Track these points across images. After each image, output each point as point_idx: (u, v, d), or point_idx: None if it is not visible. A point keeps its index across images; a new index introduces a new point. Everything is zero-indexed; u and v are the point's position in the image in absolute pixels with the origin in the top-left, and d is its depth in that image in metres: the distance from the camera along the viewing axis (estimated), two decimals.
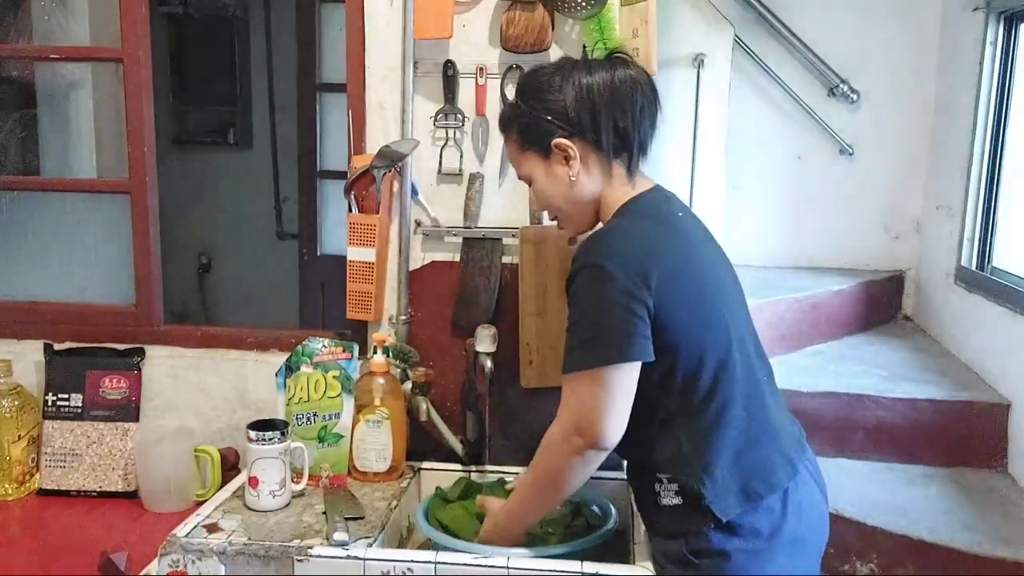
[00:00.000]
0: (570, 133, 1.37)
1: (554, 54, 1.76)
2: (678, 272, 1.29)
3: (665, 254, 1.30)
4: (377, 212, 1.79)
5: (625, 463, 1.49)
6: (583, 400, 1.29)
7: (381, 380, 1.72)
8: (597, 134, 1.36)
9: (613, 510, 1.59)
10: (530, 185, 1.46)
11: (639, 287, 1.25)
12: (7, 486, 1.85)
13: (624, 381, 1.27)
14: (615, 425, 1.28)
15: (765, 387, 1.39)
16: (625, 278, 1.25)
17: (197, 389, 1.96)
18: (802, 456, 1.39)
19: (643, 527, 1.52)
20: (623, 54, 1.41)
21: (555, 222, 1.49)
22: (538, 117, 1.38)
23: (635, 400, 1.32)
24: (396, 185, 1.82)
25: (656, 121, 1.41)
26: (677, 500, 1.32)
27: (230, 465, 1.87)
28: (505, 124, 1.46)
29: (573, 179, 1.38)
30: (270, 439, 1.56)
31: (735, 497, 1.29)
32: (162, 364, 1.96)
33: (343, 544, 1.41)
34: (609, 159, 1.38)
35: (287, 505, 1.59)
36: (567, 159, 1.38)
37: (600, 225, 1.43)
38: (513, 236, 1.81)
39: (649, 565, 1.39)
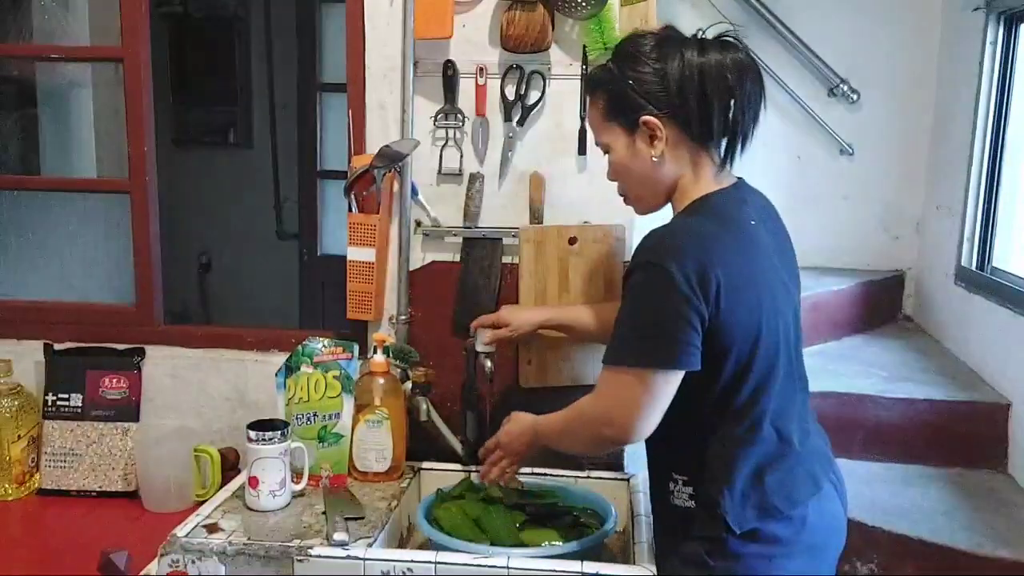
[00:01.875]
0: (664, 112, 1.28)
1: (554, 54, 1.76)
2: (738, 282, 1.23)
3: (728, 262, 1.23)
4: (377, 212, 1.79)
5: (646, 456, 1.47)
6: (622, 395, 1.25)
7: (381, 380, 1.72)
8: (691, 119, 1.28)
9: (613, 510, 1.59)
10: (606, 154, 1.38)
11: (699, 296, 1.20)
12: (7, 486, 1.85)
13: (668, 388, 1.24)
14: (648, 426, 1.25)
15: (799, 404, 1.35)
16: (686, 286, 1.19)
17: (197, 389, 1.96)
18: (828, 470, 1.37)
19: (644, 527, 1.52)
20: (733, 36, 1.31)
21: (621, 197, 1.42)
22: (630, 87, 1.29)
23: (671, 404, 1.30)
24: (396, 185, 1.82)
25: (759, 114, 1.31)
26: (690, 503, 1.31)
27: (230, 465, 1.87)
28: (594, 86, 1.37)
29: (655, 160, 1.30)
30: (270, 439, 1.56)
31: (752, 511, 1.27)
32: (162, 364, 1.96)
33: (343, 544, 1.41)
34: (699, 147, 1.31)
35: (287, 505, 1.59)
36: (652, 138, 1.30)
37: (669, 210, 1.37)
38: (513, 236, 1.81)
39: (650, 565, 1.38)
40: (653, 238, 1.27)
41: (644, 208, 1.41)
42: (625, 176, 1.38)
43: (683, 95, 1.27)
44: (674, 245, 1.24)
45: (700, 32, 1.33)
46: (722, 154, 1.33)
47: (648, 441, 1.37)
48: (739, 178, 1.38)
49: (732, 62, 1.27)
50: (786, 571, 1.29)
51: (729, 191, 1.34)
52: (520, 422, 1.52)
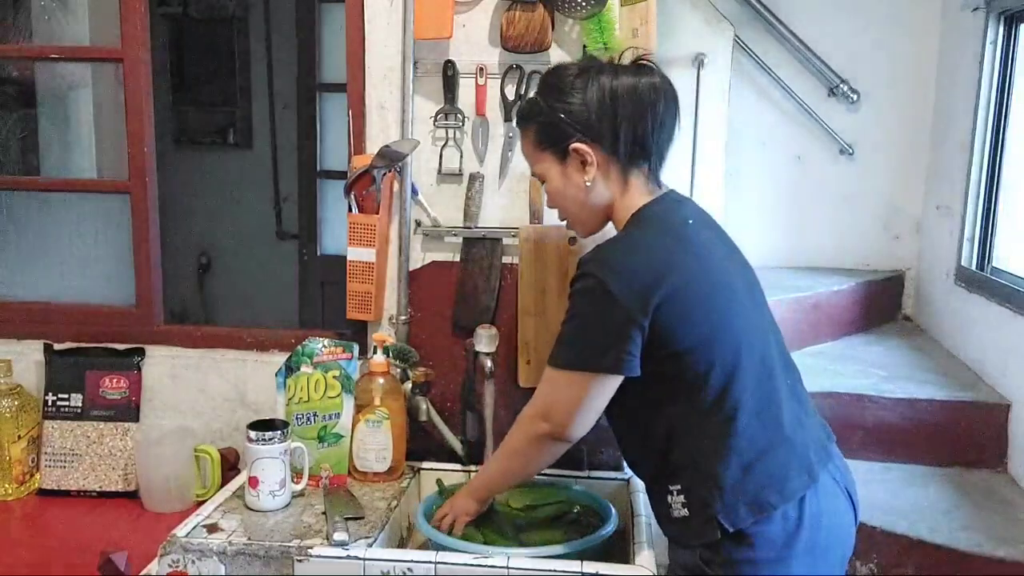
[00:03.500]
0: (590, 138, 1.35)
1: (554, 54, 1.76)
2: (684, 287, 1.28)
3: (673, 270, 1.28)
4: (377, 212, 1.79)
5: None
6: (560, 395, 1.33)
7: (381, 380, 1.72)
8: (616, 141, 1.35)
9: (613, 510, 1.59)
10: (542, 183, 1.44)
11: (638, 310, 1.25)
12: (7, 486, 1.85)
13: (605, 390, 1.31)
14: (584, 425, 1.34)
15: (784, 393, 1.35)
16: (627, 301, 1.25)
17: (197, 389, 1.96)
18: (826, 463, 1.36)
19: (644, 527, 1.53)
20: (648, 61, 1.39)
21: (563, 222, 1.48)
22: (558, 118, 1.36)
23: (642, 412, 1.34)
24: (396, 185, 1.82)
25: (675, 131, 1.39)
26: (684, 512, 1.31)
27: (230, 465, 1.87)
28: (523, 120, 1.44)
29: (588, 185, 1.37)
30: (270, 439, 1.56)
31: (745, 508, 1.27)
32: (162, 364, 1.96)
33: (343, 544, 1.41)
34: (626, 167, 1.37)
35: (287, 505, 1.59)
36: (584, 164, 1.36)
37: (610, 228, 1.42)
38: (513, 236, 1.81)
39: (650, 565, 1.39)
40: (597, 251, 1.33)
41: (585, 231, 1.47)
42: (562, 202, 1.43)
43: (602, 119, 1.34)
44: (615, 260, 1.30)
45: (616, 57, 1.40)
46: (645, 171, 1.38)
47: (635, 461, 1.42)
48: (670, 189, 1.43)
49: (645, 85, 1.34)
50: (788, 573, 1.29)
51: (662, 199, 1.39)
52: (466, 487, 1.56)
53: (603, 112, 1.33)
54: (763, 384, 1.33)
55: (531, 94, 1.77)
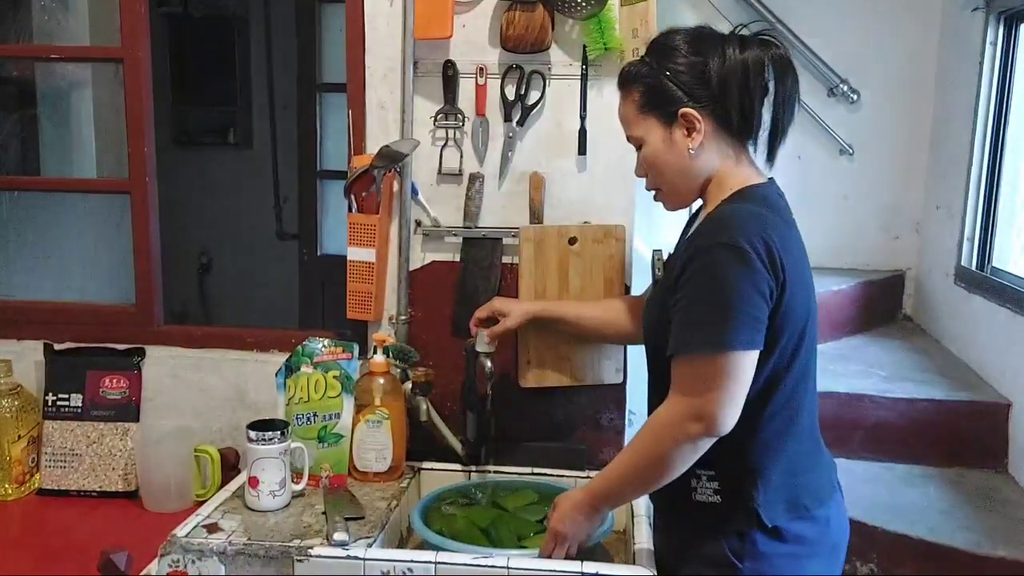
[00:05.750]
0: (702, 105, 1.29)
1: (554, 54, 1.76)
2: (793, 263, 1.24)
3: (784, 243, 1.24)
4: (377, 212, 1.79)
5: None
6: (704, 385, 1.21)
7: (381, 380, 1.71)
8: (737, 114, 1.29)
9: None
10: (638, 149, 1.38)
11: (769, 270, 1.20)
12: (7, 486, 1.85)
13: (748, 368, 1.21)
14: (734, 413, 1.21)
15: (817, 403, 1.38)
16: (759, 260, 1.20)
17: (197, 389, 1.96)
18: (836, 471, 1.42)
19: (644, 527, 1.52)
20: (772, 35, 1.33)
21: (651, 191, 1.42)
22: (670, 81, 1.30)
23: None
24: (396, 185, 1.82)
25: (796, 109, 1.34)
26: (715, 498, 1.31)
27: (230, 465, 1.87)
28: (628, 81, 1.36)
29: (692, 152, 1.31)
30: (270, 439, 1.56)
31: (783, 507, 1.28)
32: (162, 364, 1.96)
33: (343, 544, 1.41)
34: (739, 141, 1.33)
35: (287, 505, 1.59)
36: (690, 130, 1.30)
37: (700, 203, 1.38)
38: (513, 236, 1.81)
39: (650, 565, 1.38)
40: (721, 221, 1.27)
41: (676, 202, 1.41)
42: (660, 169, 1.36)
43: (725, 89, 1.28)
44: (747, 226, 1.24)
45: (739, 28, 1.35)
46: (766, 149, 1.34)
47: None
48: (771, 177, 1.39)
49: (773, 58, 1.30)
50: (810, 571, 1.31)
51: (771, 185, 1.35)
52: (567, 499, 1.41)
53: (726, 82, 1.28)
54: (815, 388, 1.34)
55: (534, 94, 1.78)
